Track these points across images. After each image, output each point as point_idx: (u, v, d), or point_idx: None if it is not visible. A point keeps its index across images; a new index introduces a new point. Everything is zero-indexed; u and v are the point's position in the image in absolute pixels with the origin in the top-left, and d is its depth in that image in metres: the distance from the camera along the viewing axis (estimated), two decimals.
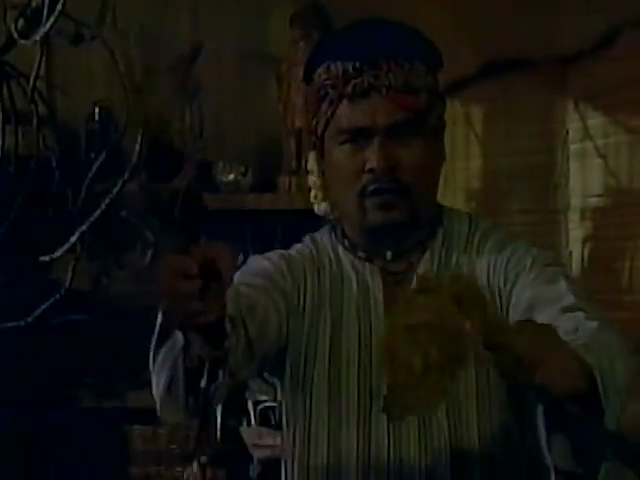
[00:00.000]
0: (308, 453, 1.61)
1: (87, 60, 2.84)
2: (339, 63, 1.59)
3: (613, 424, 1.27)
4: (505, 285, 1.59)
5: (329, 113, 1.60)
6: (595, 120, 2.77)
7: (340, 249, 1.67)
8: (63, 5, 1.83)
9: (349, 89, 1.58)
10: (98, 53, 2.00)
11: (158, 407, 1.47)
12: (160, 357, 1.42)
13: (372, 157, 1.57)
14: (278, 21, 3.16)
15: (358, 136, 1.58)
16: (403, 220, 1.59)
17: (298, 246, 1.70)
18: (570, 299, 1.47)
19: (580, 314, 1.42)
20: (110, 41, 1.92)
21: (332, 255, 1.67)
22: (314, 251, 1.68)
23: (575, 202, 2.81)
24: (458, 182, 2.81)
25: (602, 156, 2.76)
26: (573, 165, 2.83)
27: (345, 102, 1.59)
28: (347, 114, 1.59)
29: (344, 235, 1.67)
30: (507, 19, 2.87)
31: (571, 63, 2.77)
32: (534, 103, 2.91)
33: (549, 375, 1.18)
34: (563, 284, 1.52)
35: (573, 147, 2.84)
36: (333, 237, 1.69)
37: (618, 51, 2.58)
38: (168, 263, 1.23)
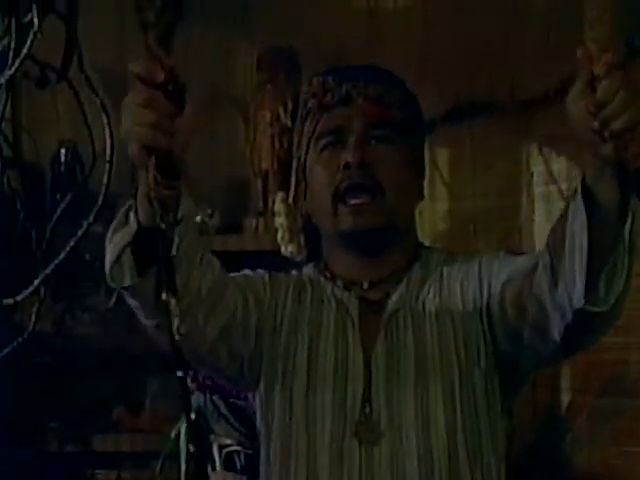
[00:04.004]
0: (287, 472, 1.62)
1: (53, 101, 2.83)
2: (320, 77, 1.68)
3: None
4: (481, 288, 1.62)
5: (311, 130, 1.67)
6: (559, 164, 2.79)
7: (322, 279, 1.71)
8: (29, 49, 1.82)
9: (328, 97, 1.65)
10: (64, 94, 1.99)
11: (107, 271, 1.47)
12: (117, 236, 1.43)
13: (348, 153, 1.61)
14: (245, 63, 3.17)
15: (336, 139, 1.64)
16: (374, 226, 1.62)
17: (283, 273, 1.75)
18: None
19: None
20: (75, 83, 1.91)
21: (314, 282, 1.71)
22: (298, 276, 1.73)
23: (540, 244, 2.83)
24: (424, 224, 2.82)
25: (566, 199, 2.77)
26: (538, 208, 2.85)
27: (325, 115, 1.66)
28: (326, 120, 1.66)
29: (326, 268, 1.71)
30: (473, 63, 2.89)
31: (535, 107, 2.79)
32: (499, 146, 2.93)
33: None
34: (526, 255, 1.62)
35: (538, 190, 2.85)
36: (315, 270, 1.73)
37: None
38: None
